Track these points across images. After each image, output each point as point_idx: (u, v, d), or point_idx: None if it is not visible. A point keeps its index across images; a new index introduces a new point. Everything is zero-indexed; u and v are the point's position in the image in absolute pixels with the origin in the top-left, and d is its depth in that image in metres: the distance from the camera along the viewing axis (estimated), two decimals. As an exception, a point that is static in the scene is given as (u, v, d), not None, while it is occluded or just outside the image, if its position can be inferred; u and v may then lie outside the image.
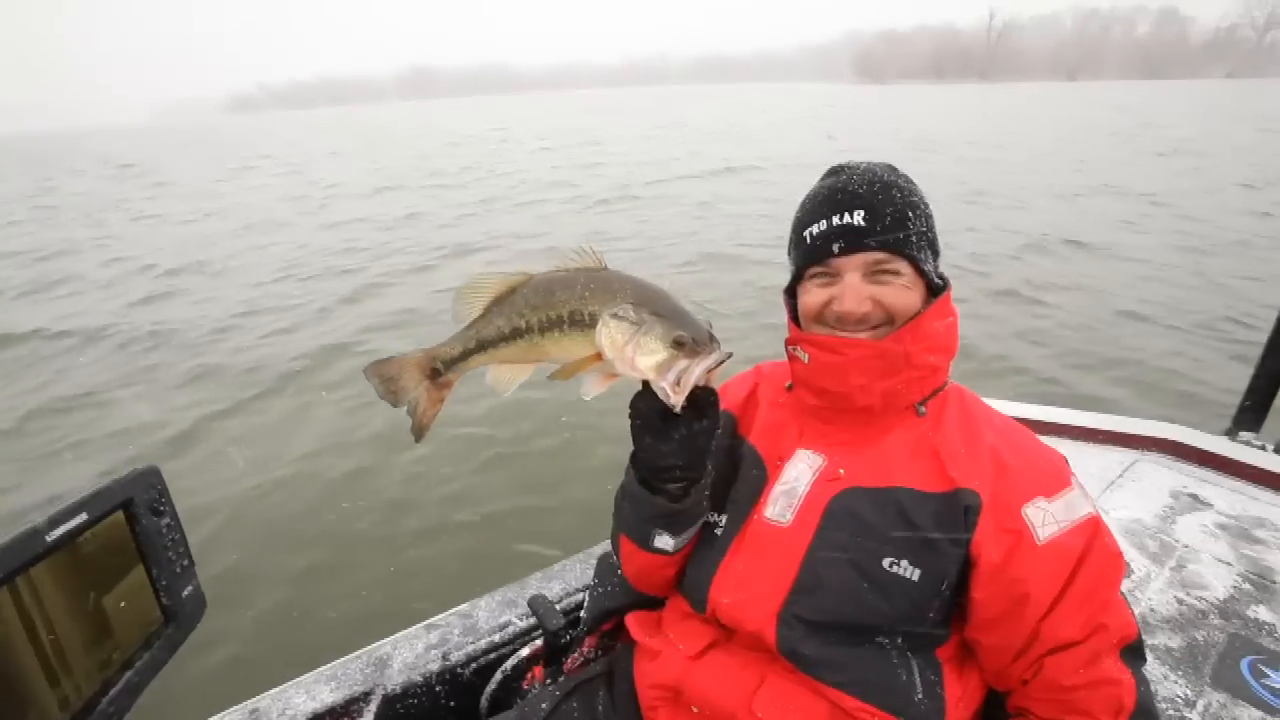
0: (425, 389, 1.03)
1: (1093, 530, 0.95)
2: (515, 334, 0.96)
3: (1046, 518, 0.94)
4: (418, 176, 20.15)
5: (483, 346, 0.98)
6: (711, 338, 0.91)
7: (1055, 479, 0.98)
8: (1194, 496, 2.08)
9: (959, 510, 0.96)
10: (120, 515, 0.89)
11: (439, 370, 1.02)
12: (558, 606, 1.60)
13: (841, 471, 1.05)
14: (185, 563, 1.00)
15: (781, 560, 1.03)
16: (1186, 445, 2.29)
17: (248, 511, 4.12)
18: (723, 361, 0.91)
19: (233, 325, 7.59)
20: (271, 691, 1.46)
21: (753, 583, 1.05)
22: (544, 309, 0.94)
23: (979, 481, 0.97)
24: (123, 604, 0.88)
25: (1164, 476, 2.20)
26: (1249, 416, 2.54)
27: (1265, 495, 2.08)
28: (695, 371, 0.87)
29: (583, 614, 1.36)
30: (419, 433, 1.04)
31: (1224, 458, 2.22)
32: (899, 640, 0.98)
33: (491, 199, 15.35)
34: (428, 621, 1.66)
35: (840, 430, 1.08)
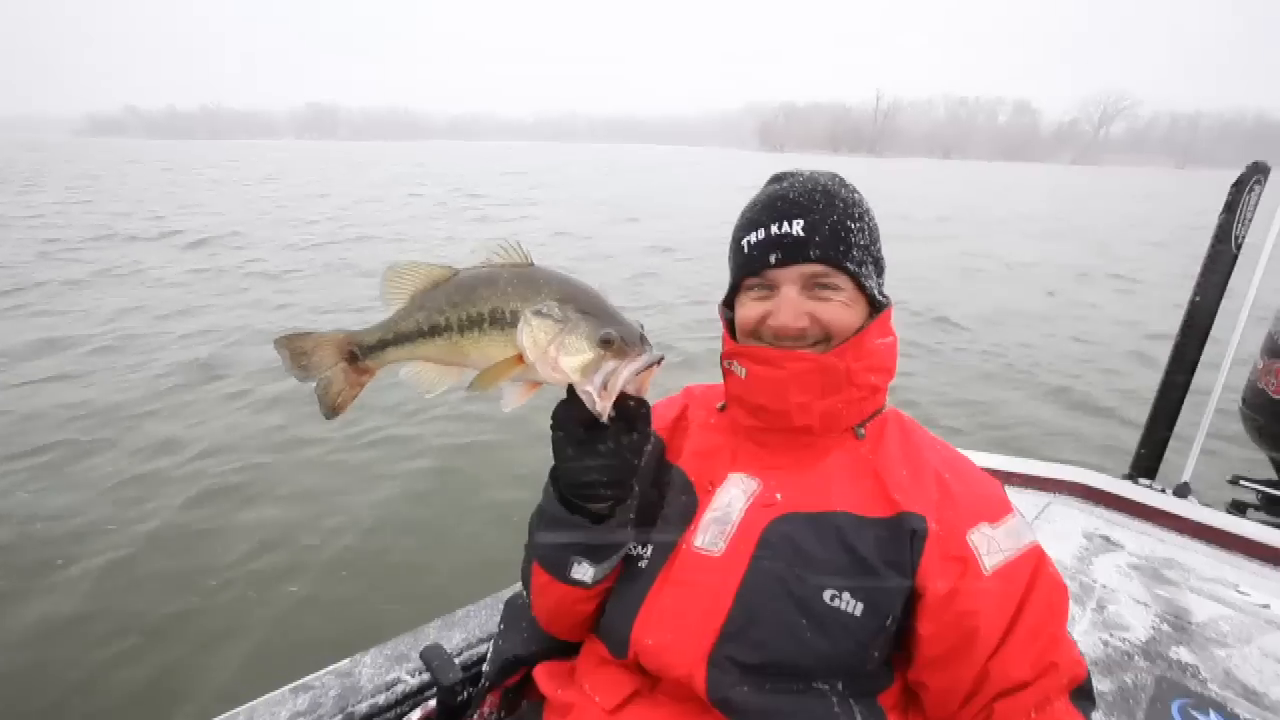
0: (342, 370, 0.98)
1: (1037, 559, 0.92)
2: (434, 331, 0.90)
3: (991, 545, 0.90)
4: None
5: (400, 340, 0.93)
6: (643, 339, 0.84)
7: (998, 504, 0.95)
8: (1105, 538, 2.17)
9: (904, 536, 0.90)
10: None
11: (357, 355, 0.97)
12: (457, 660, 1.41)
13: (778, 496, 0.97)
14: None
15: (712, 594, 0.94)
16: (1094, 488, 2.41)
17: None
18: (654, 364, 0.84)
19: None
20: None
21: (680, 620, 0.94)
22: (464, 306, 0.88)
23: (924, 505, 0.92)
24: None
25: (1076, 518, 2.29)
26: (1144, 465, 2.74)
27: (1170, 537, 2.19)
28: (624, 374, 0.81)
29: (485, 667, 1.19)
30: (330, 412, 0.99)
31: (1129, 500, 2.34)
32: (839, 686, 0.90)
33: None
34: (296, 683, 1.41)
35: (776, 453, 1.01)
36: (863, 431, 1.01)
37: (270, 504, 4.16)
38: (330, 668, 1.46)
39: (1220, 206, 2.59)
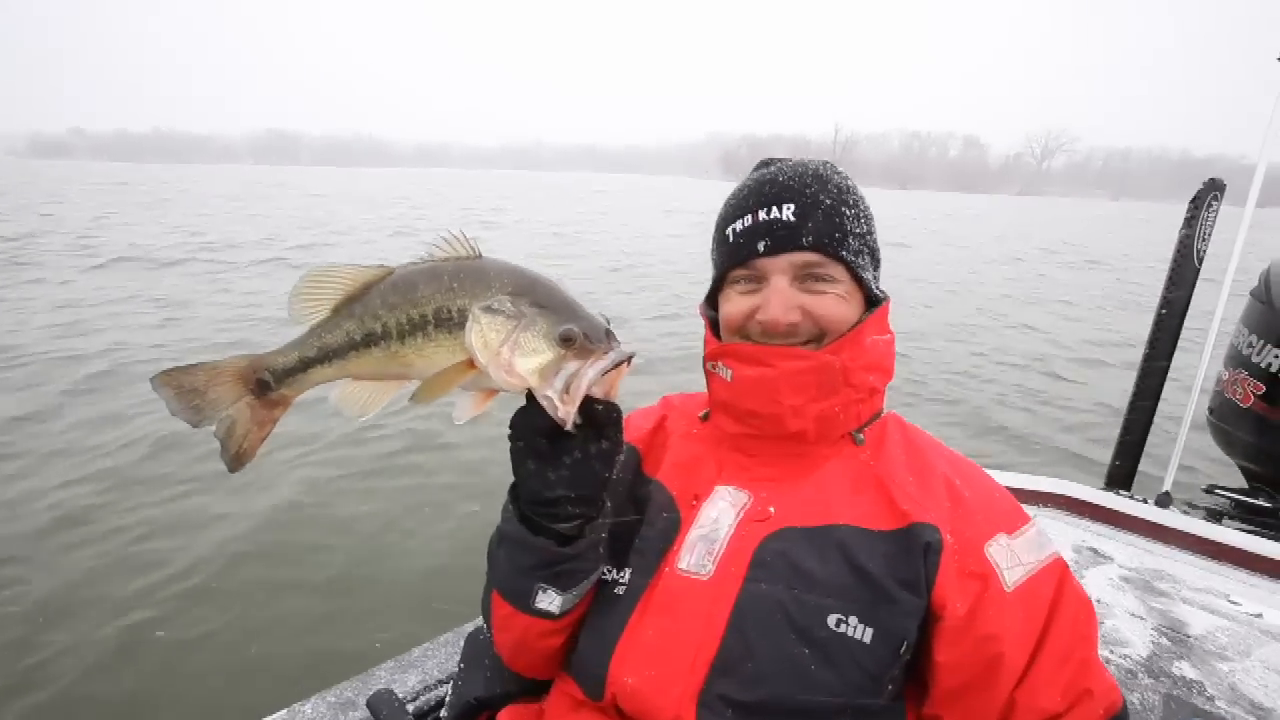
0: (247, 406, 0.81)
1: (1061, 573, 0.83)
2: (369, 340, 0.77)
3: (1012, 558, 0.82)
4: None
5: (327, 356, 0.79)
6: (609, 334, 0.74)
7: (1014, 513, 0.87)
8: (1094, 550, 2.14)
9: (916, 549, 0.81)
10: None
11: (268, 383, 0.81)
12: (410, 707, 1.26)
13: (771, 510, 0.88)
14: None
15: (701, 622, 0.83)
16: (1079, 500, 2.39)
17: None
18: (623, 362, 0.74)
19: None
20: None
21: (665, 655, 0.83)
22: (404, 307, 0.76)
23: (936, 515, 0.83)
24: None
25: (1064, 531, 2.26)
26: (1120, 476, 2.78)
27: (1156, 548, 2.18)
28: (588, 375, 0.71)
29: (443, 713, 1.06)
30: (235, 461, 0.82)
31: (1114, 511, 2.33)
32: None
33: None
34: None
35: (766, 463, 0.92)
36: (861, 437, 0.92)
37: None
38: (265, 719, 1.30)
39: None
